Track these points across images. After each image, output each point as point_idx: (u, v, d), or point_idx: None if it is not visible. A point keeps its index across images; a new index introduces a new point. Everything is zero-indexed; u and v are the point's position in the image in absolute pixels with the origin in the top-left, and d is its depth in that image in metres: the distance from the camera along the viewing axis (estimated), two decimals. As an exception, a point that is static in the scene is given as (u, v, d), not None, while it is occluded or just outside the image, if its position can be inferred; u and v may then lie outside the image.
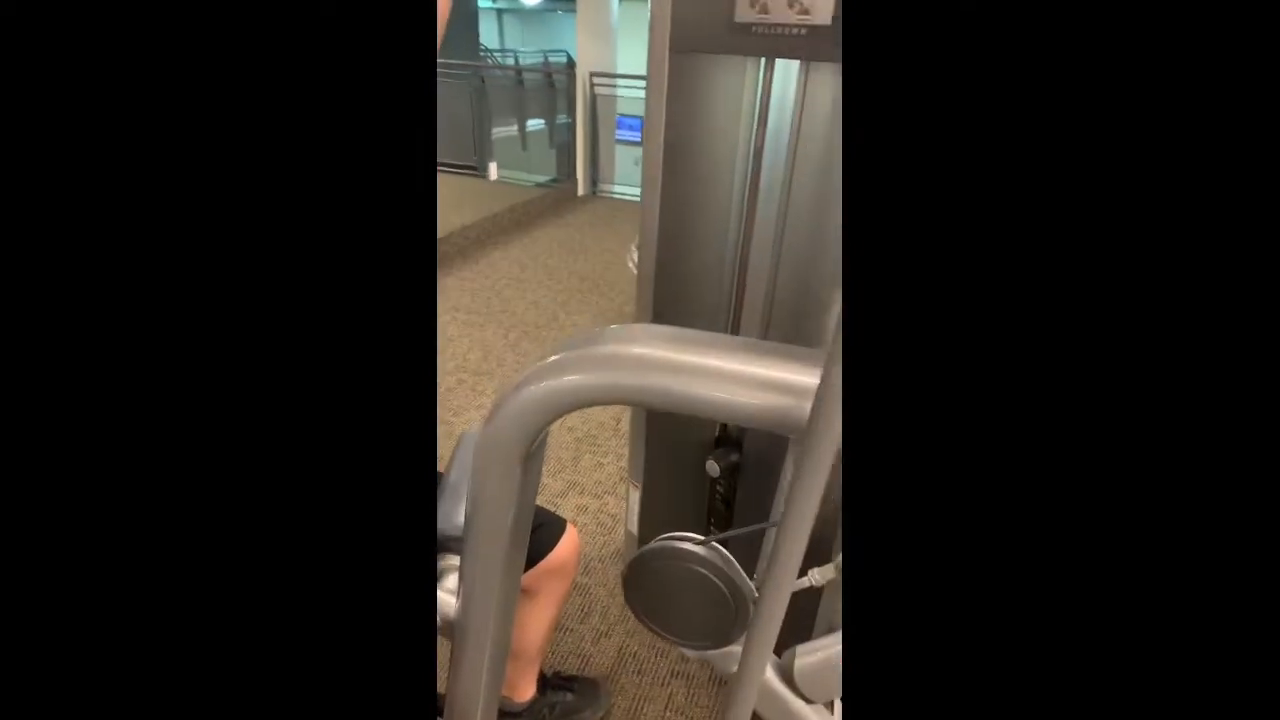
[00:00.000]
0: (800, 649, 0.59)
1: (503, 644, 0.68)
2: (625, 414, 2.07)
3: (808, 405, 0.40)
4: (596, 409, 2.05)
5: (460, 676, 0.67)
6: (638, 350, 0.46)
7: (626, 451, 1.88)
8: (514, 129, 6.24)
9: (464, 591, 0.62)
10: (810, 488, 0.36)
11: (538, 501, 0.74)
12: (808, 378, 0.42)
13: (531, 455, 0.52)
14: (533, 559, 0.88)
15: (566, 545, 0.91)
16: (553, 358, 0.48)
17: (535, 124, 6.26)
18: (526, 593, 0.92)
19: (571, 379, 0.47)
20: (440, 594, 0.73)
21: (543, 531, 0.90)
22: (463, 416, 2.09)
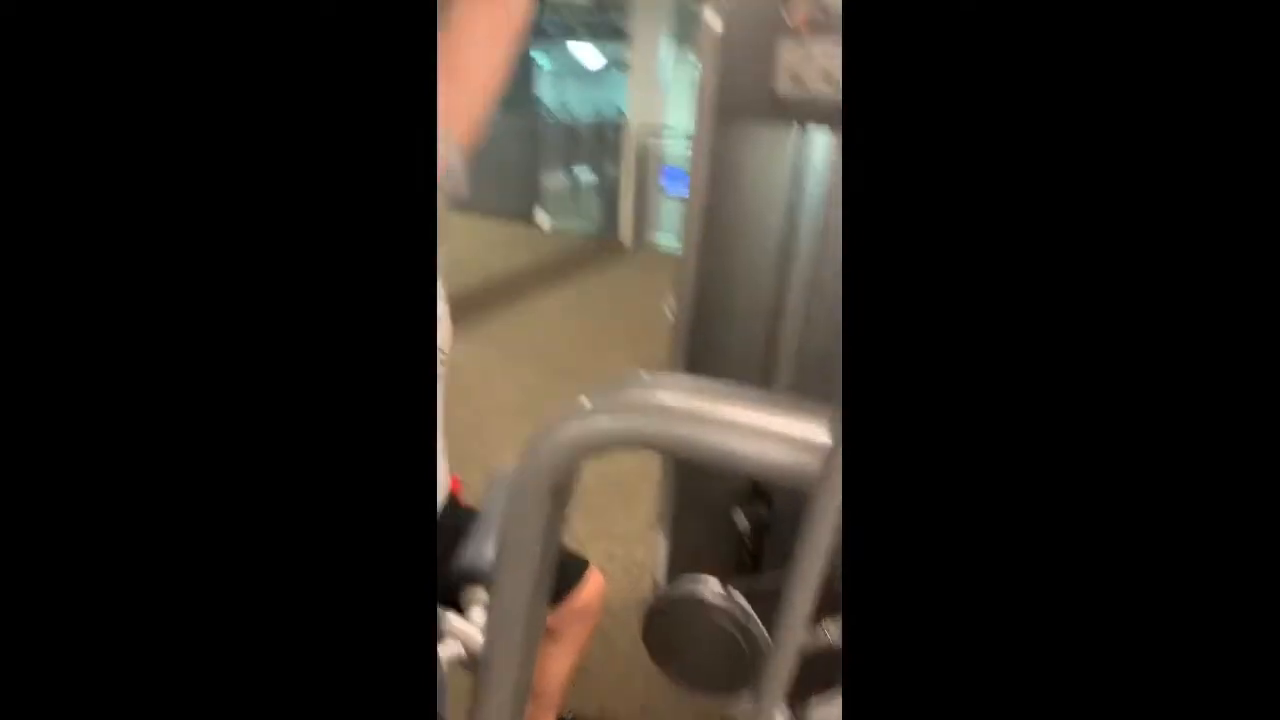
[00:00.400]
0: (815, 700, 0.59)
1: (525, 680, 0.69)
2: (656, 460, 2.09)
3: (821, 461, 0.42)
4: (628, 456, 2.07)
5: (483, 711, 0.69)
6: (663, 397, 0.48)
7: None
8: (565, 180, 6.48)
9: (489, 625, 0.65)
10: (817, 542, 0.38)
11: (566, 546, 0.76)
12: (822, 433, 0.44)
13: (559, 495, 0.55)
14: (554, 599, 0.90)
15: (589, 588, 0.92)
16: (582, 400, 0.51)
17: (586, 175, 6.48)
18: (548, 633, 0.93)
19: (598, 422, 0.50)
20: (468, 627, 0.75)
21: (565, 572, 0.91)
22: (500, 456, 2.13)
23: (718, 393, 0.48)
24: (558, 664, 0.99)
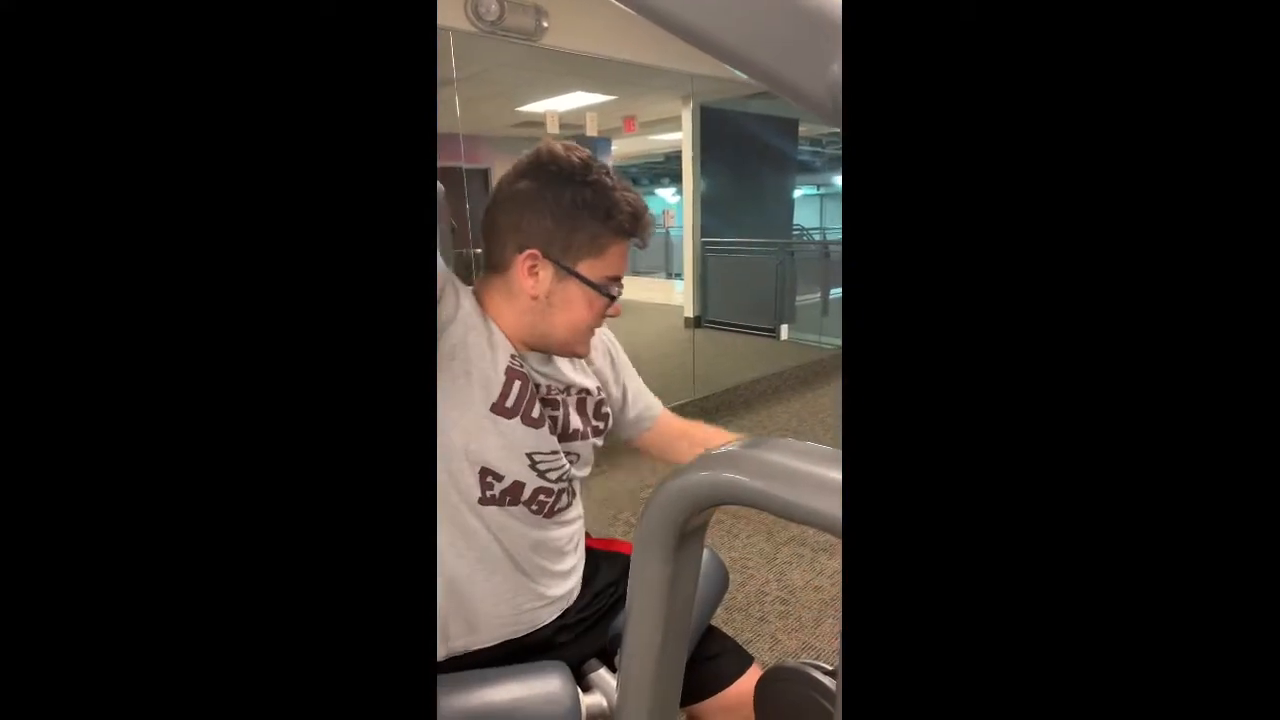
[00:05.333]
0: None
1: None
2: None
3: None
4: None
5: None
6: (769, 456, 0.49)
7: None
8: (816, 296, 6.58)
9: (620, 675, 0.66)
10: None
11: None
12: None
13: (685, 541, 0.57)
14: (710, 689, 0.86)
15: (747, 683, 0.87)
16: (713, 451, 0.53)
17: (837, 293, 6.49)
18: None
19: (706, 478, 0.51)
20: (613, 679, 0.77)
21: (725, 660, 0.88)
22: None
23: (825, 456, 0.47)
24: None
